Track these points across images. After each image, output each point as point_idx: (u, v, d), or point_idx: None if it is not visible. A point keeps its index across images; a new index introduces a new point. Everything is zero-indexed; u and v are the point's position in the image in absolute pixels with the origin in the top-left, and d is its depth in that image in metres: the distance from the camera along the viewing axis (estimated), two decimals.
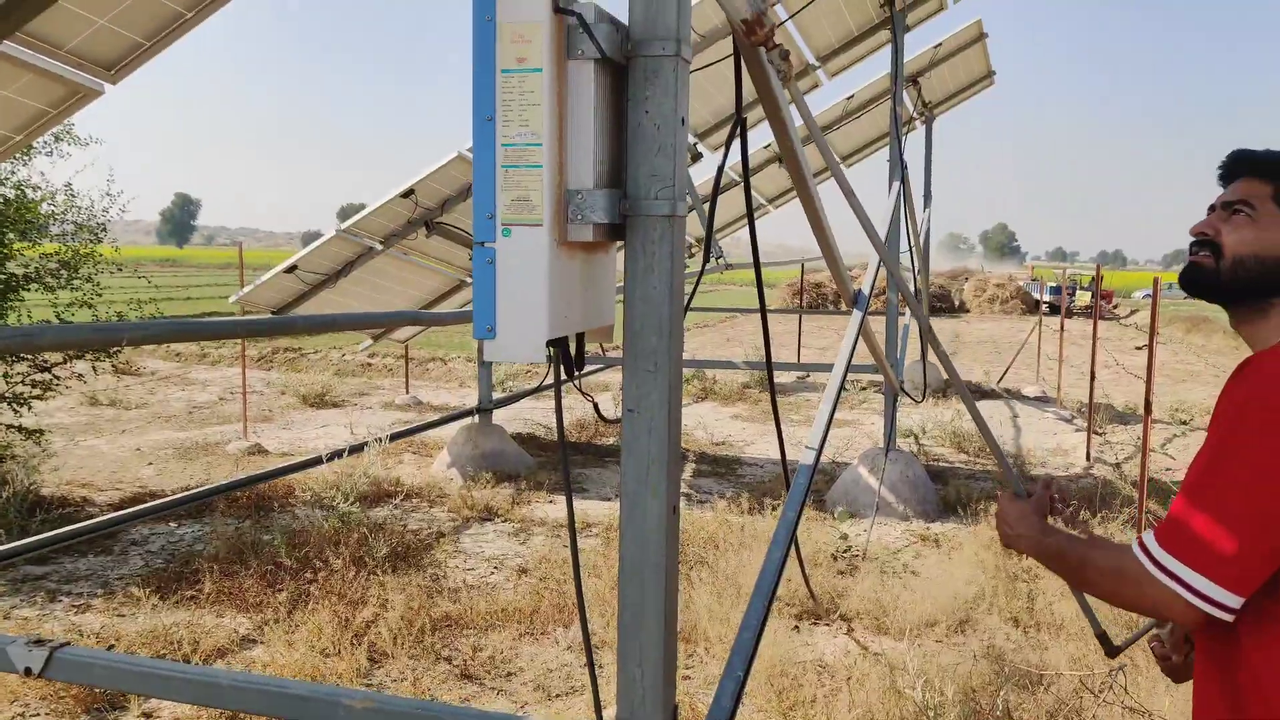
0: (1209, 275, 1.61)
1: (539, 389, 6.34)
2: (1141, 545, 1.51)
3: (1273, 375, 1.46)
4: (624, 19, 1.60)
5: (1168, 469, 8.97)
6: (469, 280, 9.25)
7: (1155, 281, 6.47)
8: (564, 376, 1.80)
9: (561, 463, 1.85)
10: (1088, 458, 9.36)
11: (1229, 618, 1.43)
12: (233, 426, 10.33)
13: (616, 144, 1.63)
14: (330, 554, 5.53)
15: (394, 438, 8.00)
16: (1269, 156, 1.61)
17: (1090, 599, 3.31)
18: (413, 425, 8.74)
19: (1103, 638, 2.01)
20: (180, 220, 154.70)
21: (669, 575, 1.70)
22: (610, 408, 11.21)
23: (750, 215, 2.29)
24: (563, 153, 1.55)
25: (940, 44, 9.79)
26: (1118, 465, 9.09)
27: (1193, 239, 1.65)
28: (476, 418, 8.64)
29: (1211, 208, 1.65)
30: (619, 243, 1.72)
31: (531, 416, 11.09)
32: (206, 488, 6.60)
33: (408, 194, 7.53)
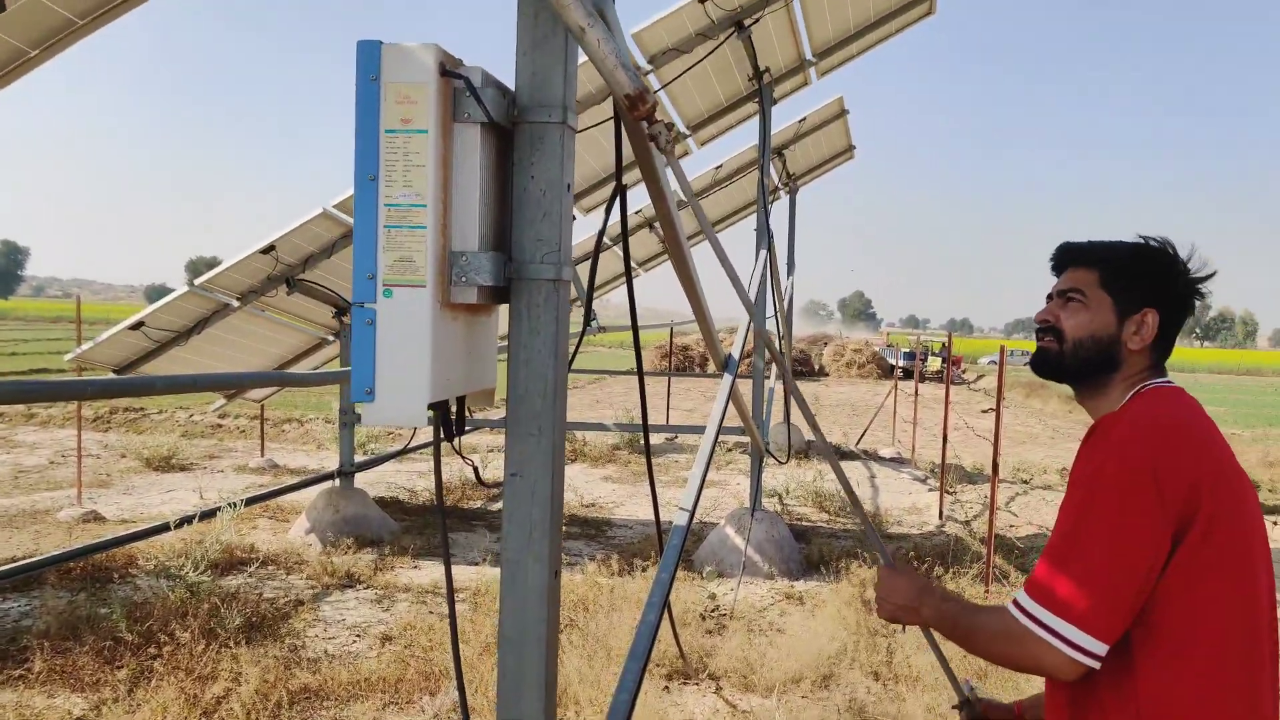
0: (1054, 358, 1.77)
1: (405, 450, 6.16)
2: (1016, 604, 1.60)
3: (1123, 438, 1.58)
4: (511, 84, 1.62)
5: (1011, 526, 9.43)
6: (330, 338, 9.02)
7: (1002, 350, 6.85)
8: (444, 440, 1.77)
9: (440, 528, 1.81)
10: (940, 516, 9.75)
11: (1097, 665, 1.52)
12: (65, 492, 9.62)
13: (502, 207, 1.63)
14: (177, 626, 5.19)
15: (249, 502, 7.63)
16: (1092, 247, 1.78)
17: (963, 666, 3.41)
18: (269, 489, 8.37)
19: (964, 704, 2.08)
20: (5, 269, 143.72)
21: (549, 643, 1.68)
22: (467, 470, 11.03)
23: (629, 278, 2.32)
24: (447, 214, 1.54)
25: (804, 118, 10.26)
26: (967, 523, 9.50)
27: (1037, 326, 1.81)
28: (337, 481, 8.35)
29: (1049, 296, 1.81)
30: (501, 305, 1.72)
31: (395, 480, 10.79)
32: (36, 559, 6.10)
33: (268, 250, 7.32)
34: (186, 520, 6.79)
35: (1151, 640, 1.53)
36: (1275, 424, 22.38)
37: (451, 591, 1.81)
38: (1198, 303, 1.76)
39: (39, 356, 28.26)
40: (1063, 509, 1.62)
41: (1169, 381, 1.73)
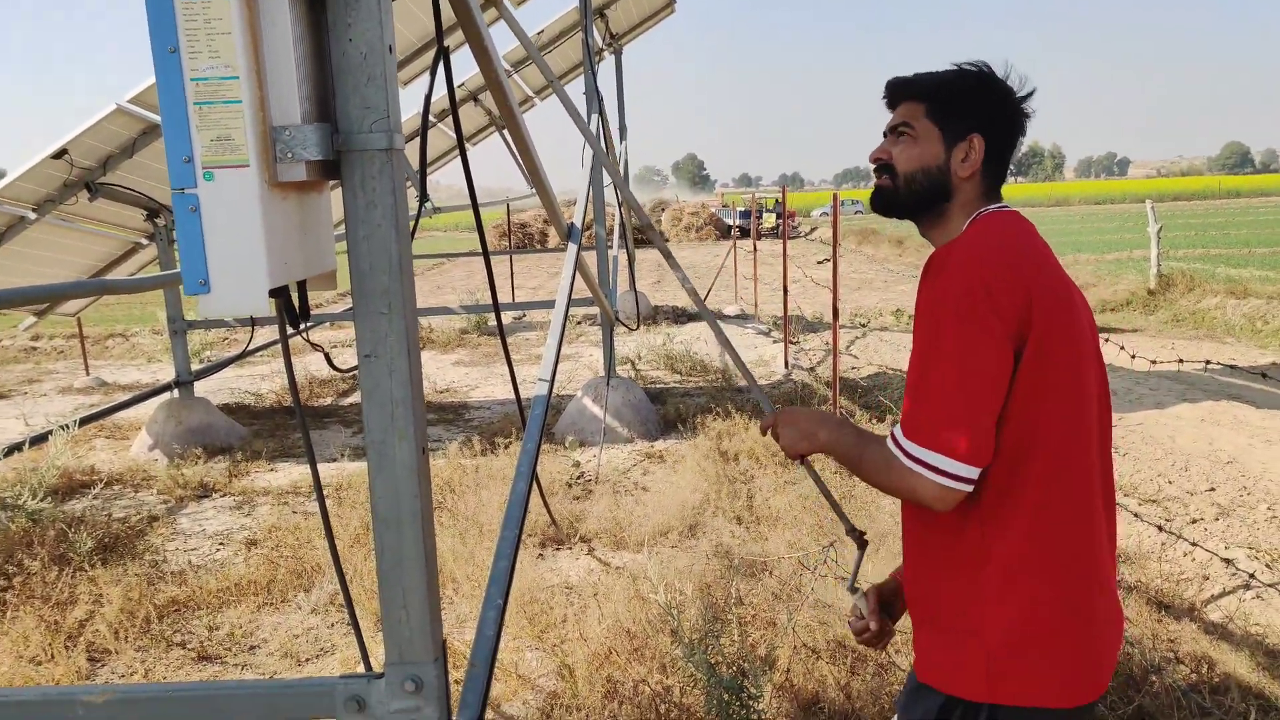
0: (890, 194, 1.80)
1: (245, 354, 5.89)
2: (893, 438, 1.65)
3: (958, 263, 1.61)
4: None
5: (854, 368, 9.95)
6: (144, 241, 8.45)
7: (835, 197, 7.02)
8: (290, 329, 1.71)
9: (298, 416, 1.77)
10: (786, 365, 10.17)
11: (969, 488, 1.58)
12: None
13: (321, 76, 1.54)
14: (24, 556, 4.94)
15: (83, 422, 7.20)
16: (917, 79, 1.79)
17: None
18: (102, 407, 7.92)
19: (852, 531, 2.18)
20: None
21: (424, 517, 1.68)
22: (312, 369, 10.75)
23: (463, 150, 2.25)
24: (263, 86, 1.44)
25: None
26: (812, 369, 9.96)
27: (872, 164, 1.82)
28: (176, 392, 7.97)
29: (885, 133, 1.82)
30: (333, 182, 1.64)
31: (238, 385, 10.39)
32: None
33: (60, 154, 6.69)
34: (15, 448, 6.37)
35: (994, 458, 1.60)
36: (1083, 250, 24.12)
37: (318, 479, 1.79)
38: (1026, 122, 1.77)
39: None
40: (915, 344, 1.66)
41: (1005, 206, 1.76)
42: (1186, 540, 4.85)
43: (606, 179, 8.27)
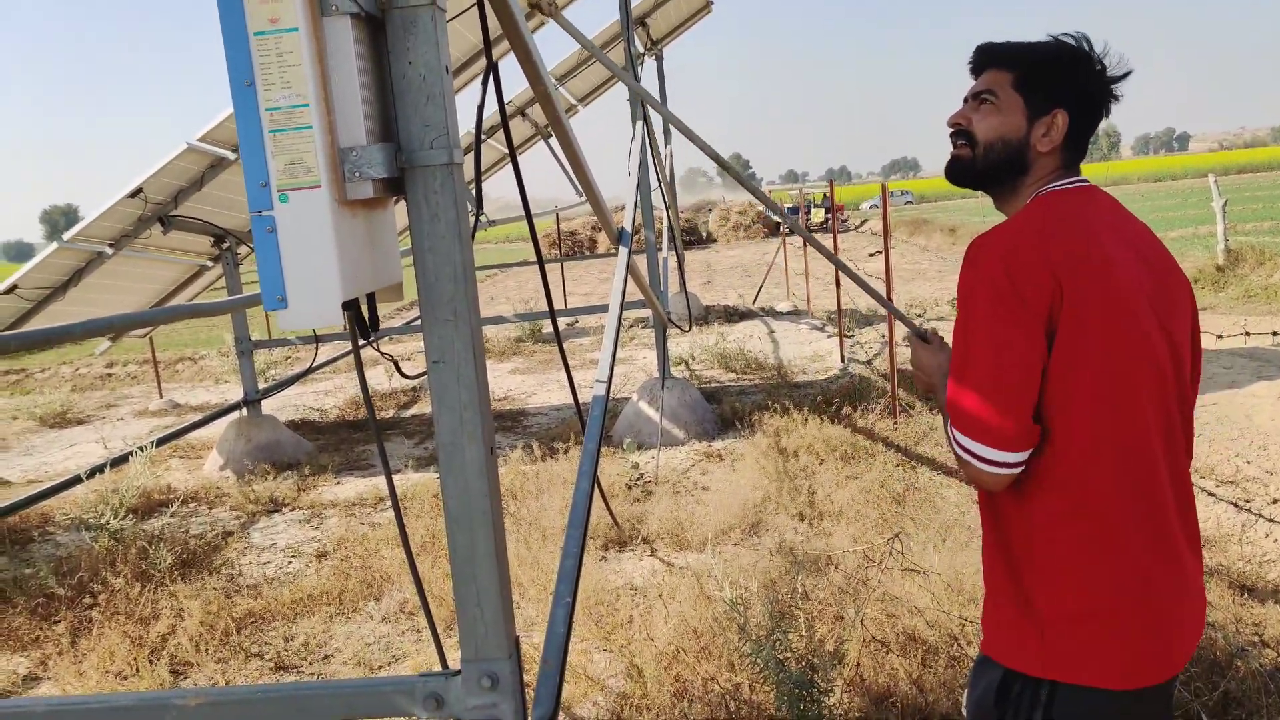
0: (966, 165, 1.77)
1: (310, 370, 6.05)
2: (949, 430, 1.68)
3: (985, 254, 1.61)
4: None
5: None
6: (209, 264, 8.72)
7: (884, 188, 6.99)
8: (361, 340, 1.78)
9: (371, 424, 1.84)
10: (842, 359, 10.13)
11: (1019, 470, 1.60)
12: None
13: (384, 98, 1.62)
14: (108, 574, 5.14)
15: (160, 443, 7.46)
16: (1008, 47, 1.75)
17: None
18: (176, 428, 8.18)
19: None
20: None
21: (494, 515, 1.75)
22: (374, 382, 10.95)
23: (515, 164, 2.32)
24: (331, 111, 1.52)
25: None
26: (869, 362, 9.89)
27: (950, 130, 1.78)
28: (245, 410, 8.21)
29: (966, 99, 1.78)
30: (396, 198, 1.72)
31: (302, 402, 10.65)
32: None
33: (136, 193, 6.97)
34: (97, 470, 6.63)
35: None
36: None
37: (392, 486, 1.86)
38: (1112, 103, 1.73)
39: None
40: (954, 329, 1.67)
41: (1076, 181, 1.71)
42: (1266, 519, 4.75)
43: (653, 181, 8.32)
